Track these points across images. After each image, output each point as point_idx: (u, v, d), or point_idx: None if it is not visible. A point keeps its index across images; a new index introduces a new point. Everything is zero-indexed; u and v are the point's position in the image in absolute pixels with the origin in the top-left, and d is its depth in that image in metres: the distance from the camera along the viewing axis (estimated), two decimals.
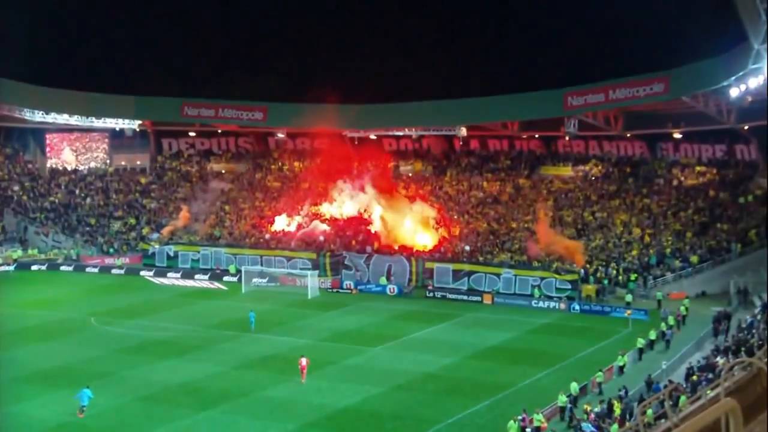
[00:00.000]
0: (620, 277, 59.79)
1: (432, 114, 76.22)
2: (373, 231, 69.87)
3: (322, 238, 70.39)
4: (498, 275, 60.36)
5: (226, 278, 67.31)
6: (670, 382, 34.56)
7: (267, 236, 72.80)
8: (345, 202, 74.19)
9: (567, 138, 76.40)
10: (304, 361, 40.34)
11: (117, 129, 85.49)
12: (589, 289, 57.93)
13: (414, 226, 69.75)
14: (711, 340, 44.66)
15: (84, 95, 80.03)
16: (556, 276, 58.46)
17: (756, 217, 62.51)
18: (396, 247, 66.99)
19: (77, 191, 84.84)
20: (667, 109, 68.98)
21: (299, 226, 72.86)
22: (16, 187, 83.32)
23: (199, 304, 59.12)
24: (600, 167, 76.65)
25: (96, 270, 71.50)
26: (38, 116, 79.11)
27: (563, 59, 77.22)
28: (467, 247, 66.34)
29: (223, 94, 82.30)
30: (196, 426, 34.07)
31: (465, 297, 59.76)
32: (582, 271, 59.53)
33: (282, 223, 74.06)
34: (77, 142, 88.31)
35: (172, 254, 71.54)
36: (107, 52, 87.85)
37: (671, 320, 47.78)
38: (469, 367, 42.92)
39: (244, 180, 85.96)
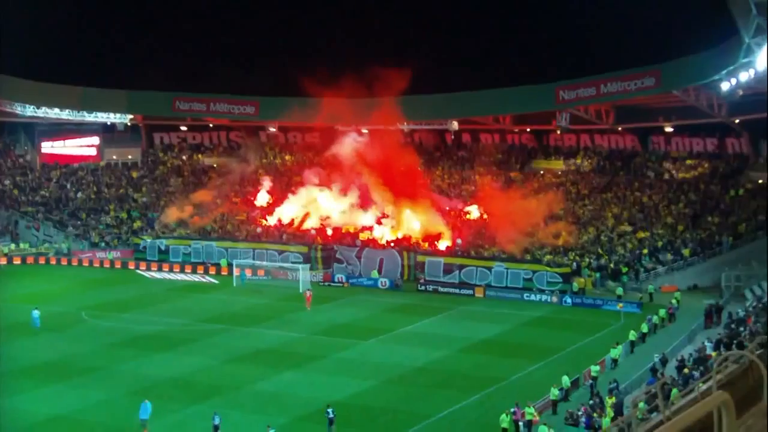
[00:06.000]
0: (611, 270, 59.87)
1: (424, 108, 76.14)
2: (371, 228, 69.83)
3: (313, 231, 70.32)
4: (489, 268, 60.29)
5: None
6: (662, 375, 34.62)
7: (258, 230, 72.68)
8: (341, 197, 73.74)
9: (558, 132, 76.48)
10: (308, 293, 53.90)
11: (108, 123, 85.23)
12: (581, 282, 58.00)
13: (428, 224, 68.77)
14: (702, 332, 44.78)
15: (75, 89, 79.83)
16: (548, 269, 58.47)
17: (747, 210, 62.77)
18: (386, 242, 66.85)
19: (68, 185, 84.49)
20: (659, 103, 69.13)
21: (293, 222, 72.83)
22: (6, 182, 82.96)
23: (190, 298, 59.03)
24: (591, 161, 76.79)
25: (87, 264, 71.25)
26: (29, 110, 78.72)
27: (555, 53, 77.25)
28: (459, 241, 66.33)
29: (215, 89, 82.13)
30: (187, 420, 34.02)
31: (456, 290, 59.73)
32: (574, 264, 59.60)
33: (289, 210, 73.78)
34: (69, 136, 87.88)
35: (163, 248, 71.30)
36: (99, 46, 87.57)
37: (662, 312, 48.04)
38: (460, 360, 42.92)
39: (235, 174, 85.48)
